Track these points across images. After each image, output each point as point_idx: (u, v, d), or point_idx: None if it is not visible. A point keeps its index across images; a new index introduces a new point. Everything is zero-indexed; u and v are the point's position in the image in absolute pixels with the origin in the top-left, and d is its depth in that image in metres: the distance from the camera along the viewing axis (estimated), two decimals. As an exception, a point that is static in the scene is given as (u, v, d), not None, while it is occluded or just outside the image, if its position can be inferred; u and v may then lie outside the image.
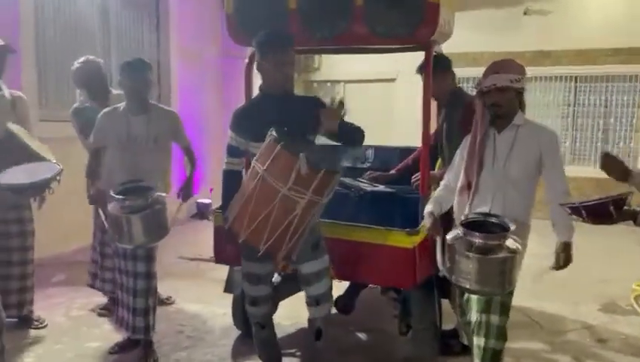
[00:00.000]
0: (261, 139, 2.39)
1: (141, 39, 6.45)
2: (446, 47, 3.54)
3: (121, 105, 3.20)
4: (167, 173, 3.35)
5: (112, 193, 2.86)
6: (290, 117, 2.52)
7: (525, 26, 7.62)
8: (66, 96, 5.33)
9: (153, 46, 6.64)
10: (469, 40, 7.28)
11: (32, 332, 3.41)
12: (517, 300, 4.06)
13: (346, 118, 2.66)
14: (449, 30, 3.25)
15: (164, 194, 2.95)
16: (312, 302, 2.65)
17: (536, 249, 2.85)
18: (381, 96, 8.61)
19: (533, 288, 4.33)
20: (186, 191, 3.36)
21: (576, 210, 1.98)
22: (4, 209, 3.23)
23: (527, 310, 4.02)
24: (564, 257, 2.31)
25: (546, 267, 2.45)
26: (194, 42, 6.70)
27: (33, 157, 2.84)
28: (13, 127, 3.03)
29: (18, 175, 2.43)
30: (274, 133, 2.33)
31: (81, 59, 3.72)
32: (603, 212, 1.96)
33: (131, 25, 6.28)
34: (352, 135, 2.65)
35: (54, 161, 2.89)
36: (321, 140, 2.68)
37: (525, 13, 7.61)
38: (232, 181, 2.64)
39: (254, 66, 2.72)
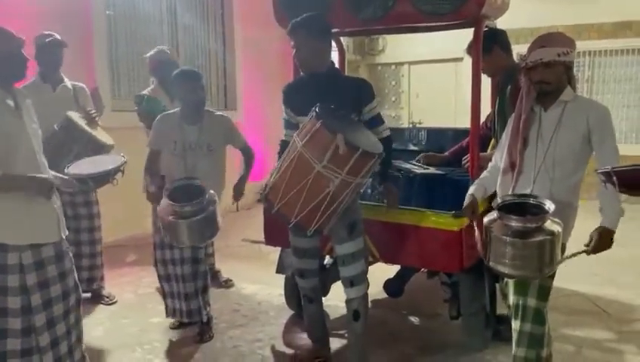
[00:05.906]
0: (306, 113, 2.43)
1: (207, 32, 6.66)
2: (509, 23, 3.38)
3: (176, 110, 3.25)
4: (222, 175, 3.36)
5: (165, 196, 2.87)
6: (330, 96, 2.55)
7: (603, -5, 7.08)
8: (136, 88, 5.65)
9: (219, 38, 6.83)
10: (538, 13, 6.87)
11: (103, 307, 3.69)
12: (585, 286, 3.91)
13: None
14: (503, 4, 3.10)
15: (212, 192, 2.96)
16: (347, 283, 2.66)
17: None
18: (447, 77, 8.37)
19: (602, 273, 4.08)
20: (238, 190, 3.36)
21: (608, 176, 1.84)
22: (73, 194, 3.43)
23: (595, 297, 3.81)
24: (600, 242, 2.11)
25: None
26: (259, 32, 6.80)
27: (91, 141, 3.09)
28: (73, 115, 3.27)
29: (85, 166, 2.65)
30: (317, 109, 2.36)
31: (155, 50, 3.91)
32: (634, 179, 1.82)
33: (197, 18, 6.50)
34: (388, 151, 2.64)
35: (111, 143, 3.07)
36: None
37: (603, -18, 7.06)
38: None
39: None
